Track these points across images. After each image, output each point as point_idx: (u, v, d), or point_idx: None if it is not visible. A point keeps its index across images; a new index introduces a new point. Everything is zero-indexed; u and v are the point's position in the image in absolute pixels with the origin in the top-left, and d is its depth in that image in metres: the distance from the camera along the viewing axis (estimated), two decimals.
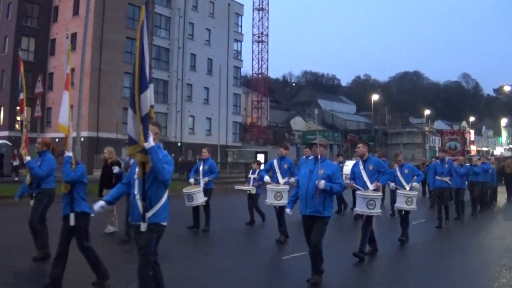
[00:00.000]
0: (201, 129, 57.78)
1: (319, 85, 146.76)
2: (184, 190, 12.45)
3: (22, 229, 10.00)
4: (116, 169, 11.13)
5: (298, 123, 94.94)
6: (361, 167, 9.59)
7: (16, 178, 28.52)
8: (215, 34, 60.28)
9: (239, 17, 65.40)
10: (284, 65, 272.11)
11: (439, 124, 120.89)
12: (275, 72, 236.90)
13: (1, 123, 48.27)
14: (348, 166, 14.20)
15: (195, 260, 9.29)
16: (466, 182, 17.16)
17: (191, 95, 57.06)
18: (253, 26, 72.10)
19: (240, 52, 65.81)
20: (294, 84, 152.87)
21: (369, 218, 9.56)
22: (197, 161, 24.12)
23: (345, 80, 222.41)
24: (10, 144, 34.58)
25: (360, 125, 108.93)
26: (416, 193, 11.58)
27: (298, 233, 10.68)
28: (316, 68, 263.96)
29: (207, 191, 12.64)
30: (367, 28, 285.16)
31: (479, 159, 19.44)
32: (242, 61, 66.58)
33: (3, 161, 31.87)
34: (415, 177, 11.66)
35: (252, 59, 72.80)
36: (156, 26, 52.90)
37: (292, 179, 11.60)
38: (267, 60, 72.23)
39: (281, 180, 11.77)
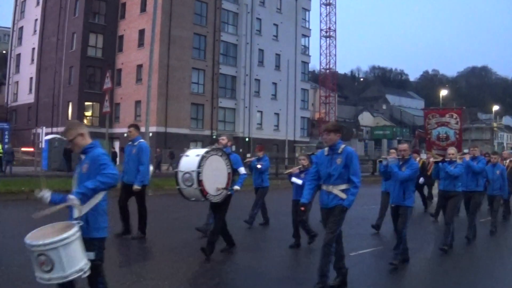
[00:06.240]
0: (269, 125, 55.03)
1: (387, 80, 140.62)
2: None
3: None
4: None
5: (366, 119, 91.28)
6: None
7: None
8: (283, 29, 57.03)
9: (307, 12, 61.89)
10: (352, 60, 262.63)
11: (508, 120, 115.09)
12: (343, 67, 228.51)
13: (70, 119, 46.91)
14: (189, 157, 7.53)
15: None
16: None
17: (259, 90, 54.18)
18: (320, 21, 68.44)
19: (308, 47, 62.30)
20: (362, 79, 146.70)
21: None
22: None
23: (413, 75, 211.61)
24: None
25: None
26: None
27: (365, 230, 10.84)
28: (384, 63, 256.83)
29: None
30: (435, 23, 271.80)
31: (468, 152, 10.72)
32: (310, 56, 63.11)
33: (71, 156, 30.56)
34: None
35: (320, 54, 69.28)
36: (223, 22, 50.92)
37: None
38: (335, 55, 68.56)
39: None
